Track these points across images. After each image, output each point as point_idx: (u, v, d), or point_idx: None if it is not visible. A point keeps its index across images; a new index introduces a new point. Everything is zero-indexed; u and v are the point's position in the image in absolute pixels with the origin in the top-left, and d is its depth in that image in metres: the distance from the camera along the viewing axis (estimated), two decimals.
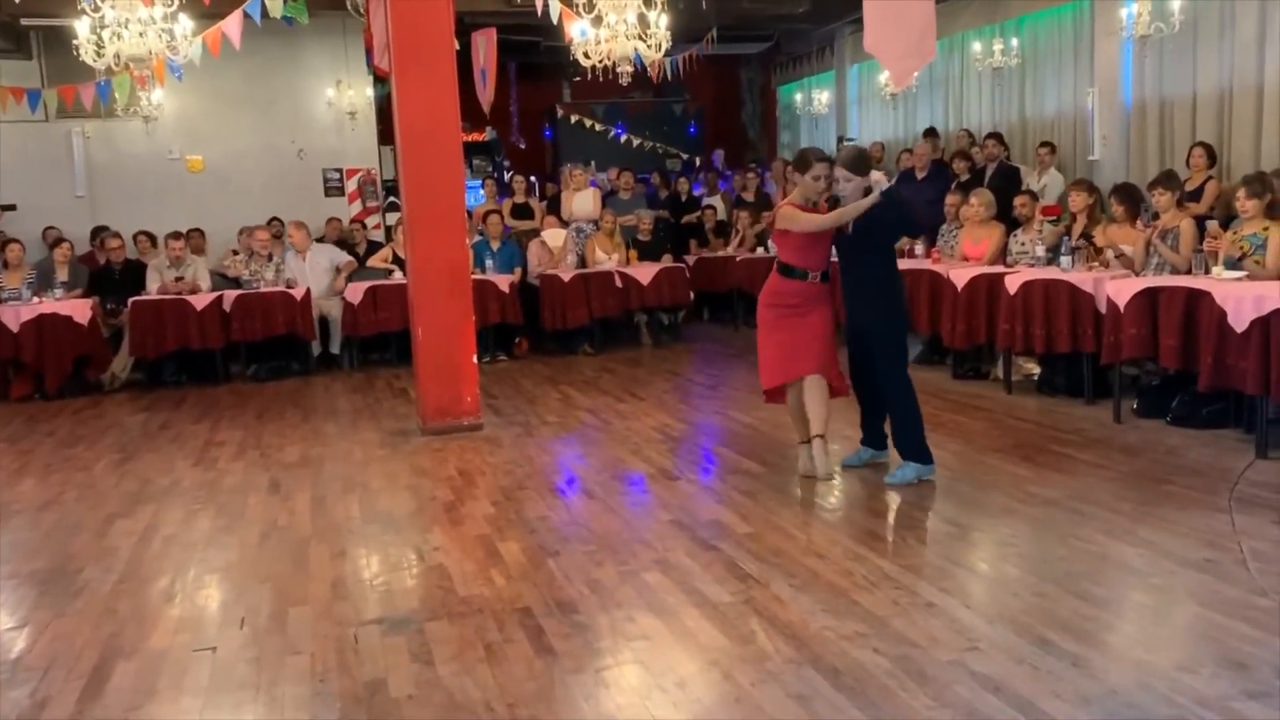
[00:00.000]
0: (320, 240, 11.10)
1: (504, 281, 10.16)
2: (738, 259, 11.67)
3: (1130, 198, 7.32)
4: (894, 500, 5.26)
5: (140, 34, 7.27)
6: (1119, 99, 9.51)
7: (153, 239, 10.67)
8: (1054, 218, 8.02)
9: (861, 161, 5.50)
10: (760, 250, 11.61)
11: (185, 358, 9.82)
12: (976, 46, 10.88)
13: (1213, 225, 6.84)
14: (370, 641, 3.73)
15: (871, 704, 3.08)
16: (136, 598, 4.31)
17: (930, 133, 11.40)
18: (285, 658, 3.62)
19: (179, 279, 9.83)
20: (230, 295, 9.72)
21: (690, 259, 11.90)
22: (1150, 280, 6.43)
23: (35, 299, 9.25)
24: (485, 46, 10.35)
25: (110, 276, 10.23)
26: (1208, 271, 6.21)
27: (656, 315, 11.19)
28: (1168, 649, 3.40)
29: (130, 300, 9.59)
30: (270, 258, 10.16)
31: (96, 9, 7.13)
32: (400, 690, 3.32)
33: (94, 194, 11.57)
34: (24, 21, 10.43)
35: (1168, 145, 9.08)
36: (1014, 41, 10.57)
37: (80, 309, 9.26)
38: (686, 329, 11.60)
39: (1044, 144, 9.70)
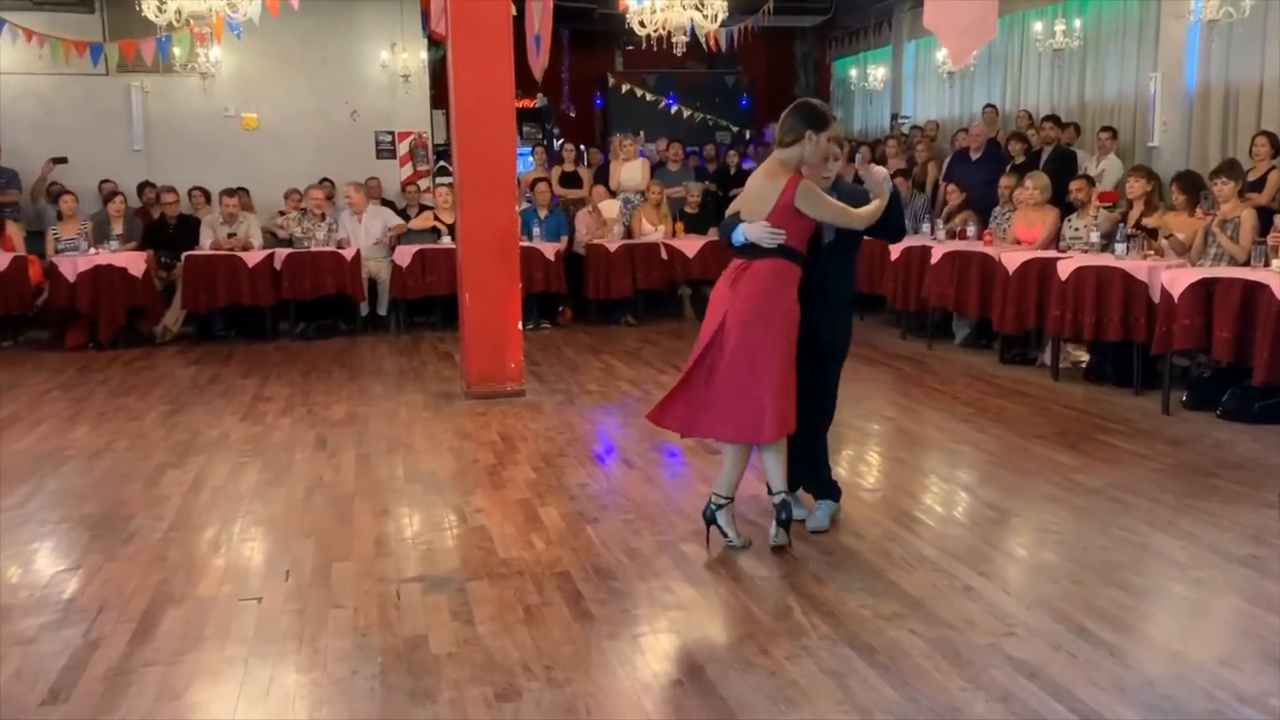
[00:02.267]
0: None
1: (550, 249, 10.19)
2: None
3: (1192, 186, 7.18)
4: (934, 483, 5.24)
5: None
6: (1182, 84, 9.30)
7: (207, 195, 10.80)
8: (1111, 204, 7.89)
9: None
10: None
11: (235, 313, 9.97)
12: (1038, 26, 10.68)
13: None
14: (412, 598, 3.80)
15: (906, 683, 3.09)
16: (185, 546, 4.41)
17: (990, 109, 11.23)
18: (328, 611, 3.70)
19: (231, 235, 9.96)
20: (282, 253, 9.84)
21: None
22: (1207, 271, 6.32)
23: (93, 250, 9.43)
24: (541, 13, 10.31)
25: (164, 230, 10.39)
26: (1267, 264, 6.09)
27: (700, 288, 11.16)
28: (1208, 643, 3.38)
29: (184, 255, 9.75)
30: (323, 217, 10.26)
31: None
32: (440, 647, 3.39)
33: (150, 148, 11.72)
34: None
35: (1231, 133, 8.88)
36: (1076, 22, 10.36)
37: (135, 261, 9.42)
38: None
39: (1105, 129, 9.52)
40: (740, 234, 4.20)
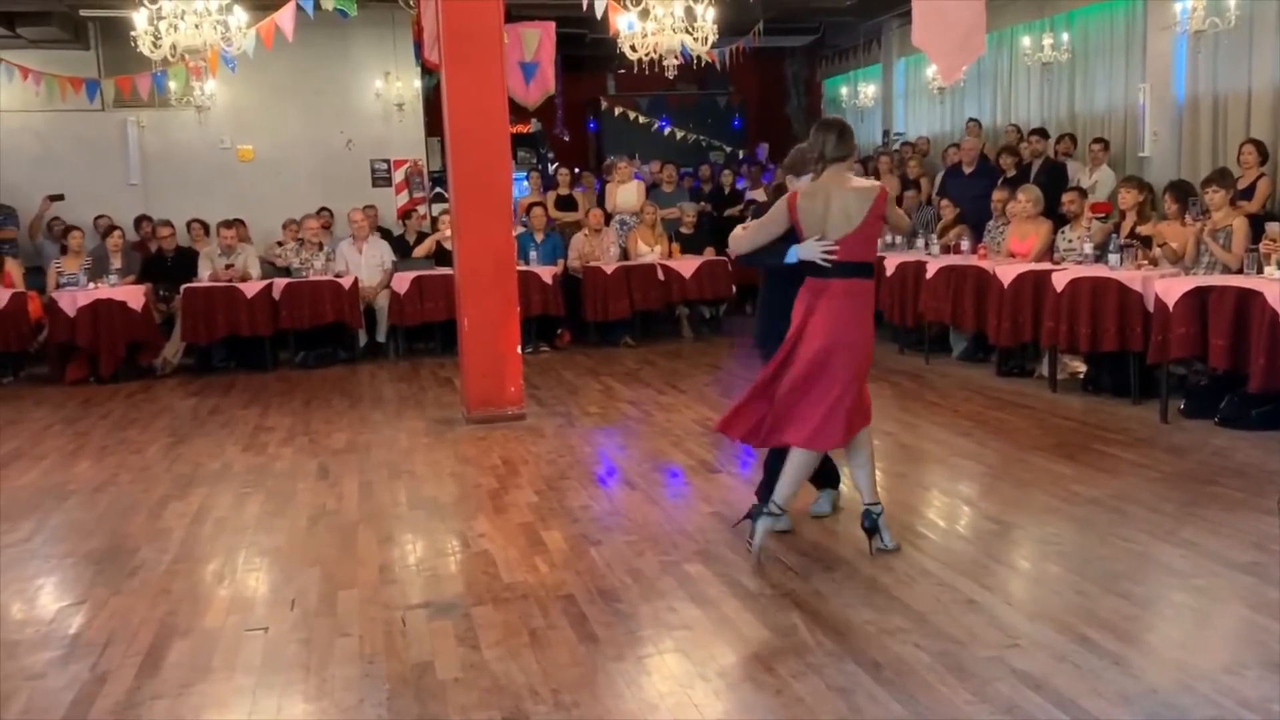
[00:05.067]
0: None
1: (547, 273, 10.24)
2: None
3: (1184, 195, 7.23)
4: (935, 497, 5.26)
5: (196, 26, 7.43)
6: (1171, 95, 9.38)
7: (206, 227, 10.84)
8: (1103, 215, 7.94)
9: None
10: None
11: (235, 344, 9.99)
12: (1026, 41, 10.77)
13: (1273, 227, 6.73)
14: (417, 625, 3.81)
15: (912, 698, 3.10)
16: (190, 578, 4.42)
17: (973, 122, 11.29)
18: (335, 639, 3.71)
19: (229, 266, 10.00)
20: (280, 283, 9.88)
21: (732, 252, 11.88)
22: (1200, 279, 6.36)
23: (91, 285, 9.46)
24: (539, 41, 10.40)
25: (162, 263, 10.44)
26: (1260, 271, 6.13)
27: (697, 308, 11.21)
28: (1210, 650, 3.39)
29: (182, 287, 9.78)
30: (321, 246, 10.31)
31: (154, 0, 7.28)
32: (447, 673, 3.40)
33: (147, 182, 11.79)
34: (83, 12, 10.67)
35: (1220, 142, 8.94)
36: (1064, 36, 10.45)
37: (134, 295, 9.46)
38: (727, 322, 11.60)
39: (1097, 140, 9.59)
40: (794, 254, 4.21)
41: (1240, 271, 6.33)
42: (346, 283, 9.96)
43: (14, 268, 9.83)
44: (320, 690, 3.33)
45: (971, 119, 11.46)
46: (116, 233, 10.22)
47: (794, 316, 4.24)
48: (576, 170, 12.82)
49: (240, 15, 7.68)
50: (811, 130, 4.36)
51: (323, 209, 11.35)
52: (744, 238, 4.43)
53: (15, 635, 3.86)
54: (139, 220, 11.33)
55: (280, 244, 10.85)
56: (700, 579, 4.14)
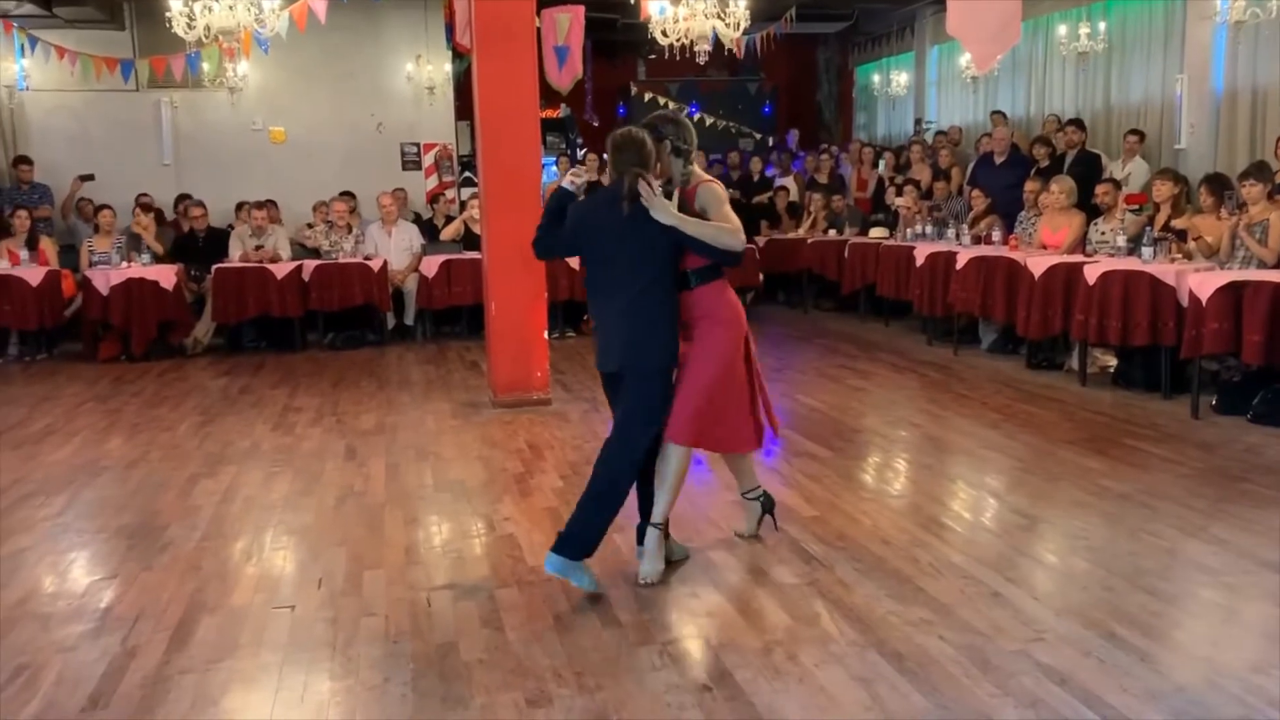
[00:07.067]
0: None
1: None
2: (809, 241, 11.64)
3: (1220, 189, 7.14)
4: (961, 489, 5.23)
5: (230, 7, 7.49)
6: (1209, 86, 9.24)
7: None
8: (1138, 207, 7.85)
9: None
10: (832, 232, 11.55)
11: (264, 325, 10.07)
12: (1062, 30, 10.65)
13: None
14: (442, 606, 3.84)
15: (935, 690, 3.09)
16: (219, 555, 4.47)
17: (998, 114, 11.15)
18: (360, 619, 3.74)
19: (259, 248, 10.07)
20: (309, 265, 9.94)
21: (761, 240, 11.87)
22: (1235, 274, 6.28)
23: (124, 264, 9.56)
24: (570, 25, 10.40)
25: (194, 244, 10.53)
26: None
27: None
28: (1239, 648, 3.36)
29: (214, 267, 9.87)
30: (349, 229, 10.36)
31: None
32: (471, 654, 3.42)
33: (180, 162, 11.89)
34: None
35: (1259, 135, 8.81)
36: (1101, 25, 10.31)
37: (166, 274, 9.55)
38: (755, 310, 11.54)
39: (1133, 131, 9.48)
40: None
41: (1276, 267, 6.24)
42: (375, 265, 10.01)
43: (48, 245, 9.95)
44: (345, 668, 3.37)
45: (996, 110, 11.33)
46: (137, 212, 10.29)
47: (735, 313, 4.07)
48: (605, 157, 12.79)
49: None
50: (671, 125, 4.07)
51: (345, 193, 11.38)
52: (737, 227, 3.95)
53: (48, 608, 3.93)
54: (178, 199, 11.41)
55: (310, 226, 10.91)
56: (724, 566, 4.15)
